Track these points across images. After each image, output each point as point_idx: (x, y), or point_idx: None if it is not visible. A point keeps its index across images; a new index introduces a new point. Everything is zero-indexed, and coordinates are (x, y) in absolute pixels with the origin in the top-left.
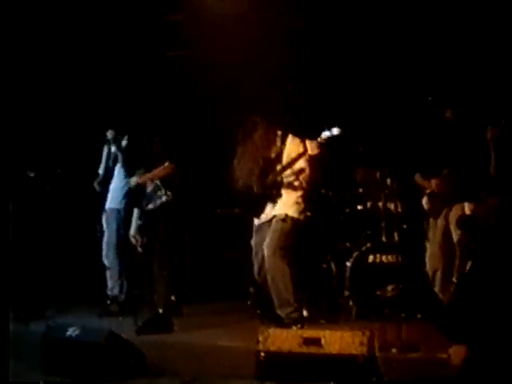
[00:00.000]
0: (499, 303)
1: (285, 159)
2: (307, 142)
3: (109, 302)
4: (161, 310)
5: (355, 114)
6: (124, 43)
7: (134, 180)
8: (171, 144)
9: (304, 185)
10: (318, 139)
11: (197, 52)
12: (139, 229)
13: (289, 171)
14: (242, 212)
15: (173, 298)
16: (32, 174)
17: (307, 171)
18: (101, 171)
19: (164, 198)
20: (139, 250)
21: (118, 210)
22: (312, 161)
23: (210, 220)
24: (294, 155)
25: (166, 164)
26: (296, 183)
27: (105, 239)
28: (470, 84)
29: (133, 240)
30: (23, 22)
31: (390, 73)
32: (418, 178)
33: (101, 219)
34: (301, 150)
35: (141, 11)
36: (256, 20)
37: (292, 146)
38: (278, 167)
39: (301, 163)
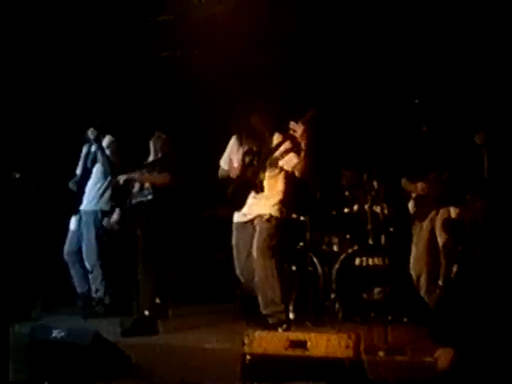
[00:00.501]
0: (486, 306)
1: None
2: (291, 123)
3: (94, 303)
4: (146, 312)
5: (342, 116)
6: (112, 43)
7: (121, 177)
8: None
9: (289, 169)
10: (304, 117)
11: (185, 52)
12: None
13: (272, 156)
14: (227, 213)
15: (158, 300)
16: (17, 175)
17: (291, 154)
18: (78, 171)
19: (149, 197)
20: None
21: (96, 212)
22: (300, 142)
23: (197, 222)
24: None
25: (165, 174)
26: (279, 167)
27: (84, 242)
28: (458, 87)
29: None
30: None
31: (377, 75)
32: (404, 182)
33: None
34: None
35: (129, 11)
36: (245, 19)
37: (277, 139)
38: (262, 156)
39: (285, 145)
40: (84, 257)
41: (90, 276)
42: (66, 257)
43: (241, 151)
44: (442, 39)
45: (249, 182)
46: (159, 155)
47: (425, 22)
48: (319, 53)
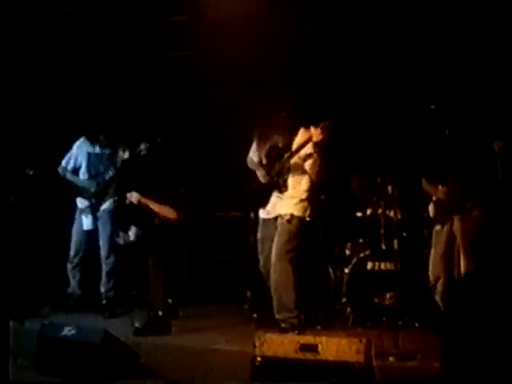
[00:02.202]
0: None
1: (294, 149)
2: (312, 129)
3: (104, 302)
4: (160, 313)
5: (358, 119)
6: (127, 43)
7: (135, 196)
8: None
9: (311, 173)
10: (322, 124)
11: (201, 52)
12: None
13: (296, 157)
14: (240, 214)
15: (169, 300)
16: (31, 172)
17: (314, 157)
18: (85, 172)
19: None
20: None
21: (111, 211)
22: (319, 148)
23: (208, 223)
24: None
25: (172, 210)
26: (302, 169)
27: (102, 241)
28: (476, 92)
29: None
30: (23, 21)
31: (393, 78)
32: (424, 183)
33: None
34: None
35: (144, 11)
36: (261, 20)
37: (301, 137)
38: (286, 155)
39: (307, 149)
40: (102, 255)
41: (103, 273)
42: (74, 255)
43: (267, 146)
44: (461, 45)
45: (273, 182)
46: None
47: (445, 28)
48: (336, 56)
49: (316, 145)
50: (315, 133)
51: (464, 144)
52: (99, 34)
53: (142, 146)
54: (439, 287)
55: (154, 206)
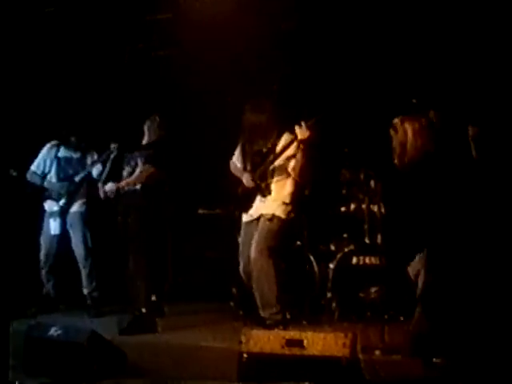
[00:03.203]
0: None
1: (277, 151)
2: (296, 128)
3: (89, 302)
4: (144, 310)
5: (341, 115)
6: (109, 42)
7: (110, 187)
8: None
9: (294, 175)
10: (307, 123)
11: (182, 51)
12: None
13: (279, 159)
14: (224, 212)
15: (154, 298)
16: (15, 173)
17: (298, 157)
18: (53, 175)
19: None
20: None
21: (81, 213)
22: (303, 147)
23: (193, 220)
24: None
25: (146, 167)
26: (287, 172)
27: (74, 243)
28: (452, 83)
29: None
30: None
31: (375, 74)
32: None
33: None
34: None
35: (126, 10)
36: (243, 18)
37: (285, 139)
38: (269, 158)
39: (291, 150)
40: (78, 258)
41: (83, 276)
42: (45, 261)
43: (251, 151)
44: (440, 40)
45: (257, 186)
46: (153, 137)
47: (422, 24)
48: (318, 52)
49: (301, 143)
50: (300, 131)
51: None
52: (79, 34)
53: (112, 146)
54: (420, 282)
55: (130, 180)
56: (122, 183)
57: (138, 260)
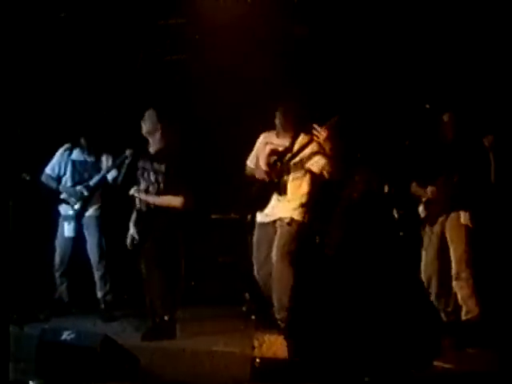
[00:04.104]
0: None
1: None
2: (315, 128)
3: (102, 306)
4: (166, 317)
5: (353, 121)
6: (122, 47)
7: (137, 194)
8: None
9: (316, 171)
10: (327, 123)
11: (195, 56)
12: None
13: (297, 158)
14: (238, 217)
15: (166, 318)
16: (28, 177)
17: (319, 156)
18: (69, 179)
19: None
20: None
21: (97, 217)
22: (326, 147)
23: (206, 225)
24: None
25: (180, 198)
26: (304, 171)
27: (89, 247)
28: (467, 90)
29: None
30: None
31: (387, 79)
32: (413, 186)
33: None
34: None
35: (139, 15)
36: (255, 24)
37: (303, 138)
38: (287, 156)
39: (310, 149)
40: (92, 261)
41: (96, 280)
42: (59, 264)
43: (267, 150)
44: (456, 45)
45: (272, 183)
46: (159, 145)
47: (435, 25)
48: (331, 56)
49: (323, 144)
50: (320, 132)
51: (456, 143)
52: (93, 38)
53: (127, 152)
54: (433, 287)
55: (157, 202)
56: (152, 200)
57: (151, 265)
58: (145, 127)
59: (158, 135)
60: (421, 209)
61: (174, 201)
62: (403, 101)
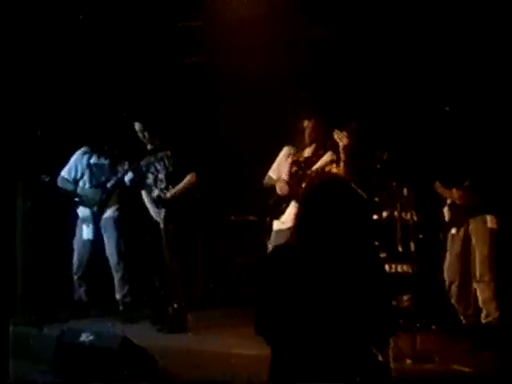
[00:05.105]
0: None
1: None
2: (335, 133)
3: (121, 308)
4: (175, 305)
5: (373, 123)
6: (141, 49)
7: (171, 192)
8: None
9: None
10: (344, 129)
11: (214, 58)
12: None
13: (317, 165)
14: (256, 218)
15: (175, 306)
16: (47, 179)
17: (341, 167)
18: (87, 181)
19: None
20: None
21: (115, 218)
22: (344, 155)
23: (224, 227)
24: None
25: (191, 174)
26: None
27: (107, 248)
28: (493, 95)
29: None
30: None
31: (409, 81)
32: (438, 186)
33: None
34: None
35: (158, 17)
36: (273, 26)
37: (323, 144)
38: (307, 164)
39: (328, 156)
40: (111, 263)
41: (115, 281)
42: (78, 267)
43: (289, 161)
44: (475, 47)
45: (291, 191)
46: (156, 142)
47: (459, 30)
48: (351, 57)
49: (343, 149)
50: (341, 137)
51: (480, 146)
52: (111, 41)
53: (143, 163)
54: (454, 290)
55: (180, 186)
56: (174, 191)
57: (177, 260)
58: (139, 134)
59: (149, 136)
60: (445, 211)
61: (189, 179)
62: (424, 103)
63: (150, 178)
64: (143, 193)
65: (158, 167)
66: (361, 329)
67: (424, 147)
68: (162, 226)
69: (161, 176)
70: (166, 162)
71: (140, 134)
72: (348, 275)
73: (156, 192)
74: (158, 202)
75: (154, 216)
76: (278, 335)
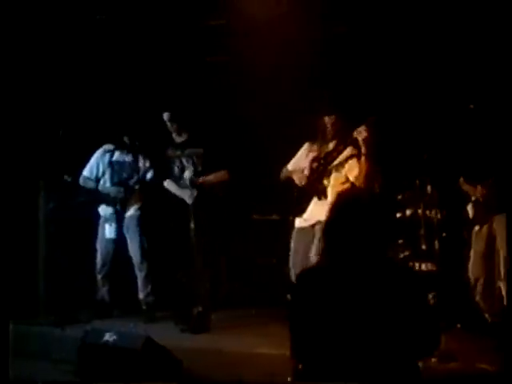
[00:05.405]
0: None
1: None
2: (355, 129)
3: (144, 307)
4: (200, 308)
5: (395, 118)
6: (164, 47)
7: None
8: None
9: (358, 183)
10: (364, 124)
11: (237, 56)
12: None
13: (337, 160)
14: (279, 218)
15: (200, 308)
16: (69, 179)
17: (361, 163)
18: (108, 180)
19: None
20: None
21: (138, 217)
22: (364, 151)
23: (247, 226)
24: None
25: (224, 171)
26: (344, 175)
27: (130, 248)
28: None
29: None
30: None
31: (431, 76)
32: (462, 183)
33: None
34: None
35: (181, 16)
36: (297, 25)
37: (343, 140)
38: (327, 160)
39: (349, 151)
40: (134, 262)
41: (139, 281)
42: (101, 266)
43: (310, 157)
44: (498, 43)
45: (312, 188)
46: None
47: (480, 25)
48: (374, 56)
49: (363, 143)
50: (359, 131)
51: (505, 143)
52: (134, 39)
53: (169, 153)
54: (479, 288)
55: (212, 177)
56: (206, 178)
57: (204, 260)
58: (168, 124)
59: (177, 127)
60: (469, 208)
61: (223, 174)
62: (447, 100)
63: (176, 171)
64: (168, 182)
65: (186, 164)
66: (404, 344)
67: (449, 144)
68: (191, 209)
69: (187, 174)
70: (196, 160)
71: (168, 124)
72: (382, 289)
73: (188, 174)
74: (190, 183)
75: (186, 198)
76: (318, 358)
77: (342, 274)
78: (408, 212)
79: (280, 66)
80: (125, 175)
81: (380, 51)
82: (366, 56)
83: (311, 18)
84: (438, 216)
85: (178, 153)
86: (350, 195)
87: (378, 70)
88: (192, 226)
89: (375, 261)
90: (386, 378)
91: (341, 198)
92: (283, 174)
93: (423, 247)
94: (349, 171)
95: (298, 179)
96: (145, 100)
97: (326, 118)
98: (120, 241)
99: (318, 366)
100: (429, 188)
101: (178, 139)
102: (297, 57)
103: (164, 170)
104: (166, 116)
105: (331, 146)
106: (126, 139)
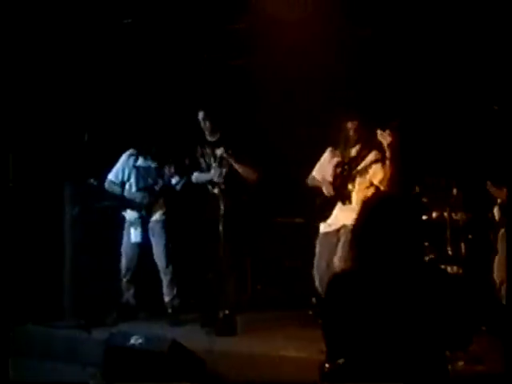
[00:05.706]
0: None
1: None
2: (378, 132)
3: (170, 311)
4: (227, 311)
5: (419, 121)
6: (187, 51)
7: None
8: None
9: (383, 186)
10: (388, 128)
11: (259, 60)
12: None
13: (361, 165)
14: (304, 220)
15: (227, 312)
16: (95, 183)
17: (386, 167)
18: (134, 185)
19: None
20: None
21: (163, 221)
22: (389, 155)
23: (272, 229)
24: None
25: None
26: (369, 180)
27: (155, 252)
28: None
29: None
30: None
31: (456, 80)
32: (490, 186)
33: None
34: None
35: (204, 19)
36: (320, 28)
37: (367, 144)
38: (352, 165)
39: (373, 155)
40: (159, 266)
41: (164, 284)
42: (127, 270)
43: (333, 162)
44: None
45: (337, 192)
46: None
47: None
48: (397, 58)
49: (388, 147)
50: (384, 135)
51: None
52: (157, 43)
53: (187, 162)
54: (504, 291)
55: (237, 166)
56: (236, 165)
57: (232, 261)
58: (201, 122)
59: (210, 125)
60: (496, 210)
61: (253, 171)
62: (472, 102)
63: (203, 164)
64: (196, 175)
65: (213, 164)
66: (436, 339)
67: (475, 146)
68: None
69: (213, 172)
70: (224, 162)
71: (202, 123)
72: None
73: (219, 152)
74: (220, 161)
75: (216, 177)
76: (353, 360)
77: (376, 278)
78: (434, 214)
79: (301, 68)
80: (150, 180)
81: (404, 55)
82: (390, 59)
83: (335, 21)
84: (464, 218)
85: (207, 151)
86: (380, 198)
87: (402, 73)
88: (221, 228)
89: (409, 263)
90: (417, 377)
91: (371, 201)
92: (311, 182)
93: (449, 250)
94: (373, 176)
95: (327, 190)
96: (170, 104)
97: (349, 124)
98: (145, 245)
99: (354, 366)
100: (454, 190)
101: (211, 138)
102: (320, 60)
103: (192, 167)
104: (200, 114)
105: (354, 151)
106: (150, 145)
